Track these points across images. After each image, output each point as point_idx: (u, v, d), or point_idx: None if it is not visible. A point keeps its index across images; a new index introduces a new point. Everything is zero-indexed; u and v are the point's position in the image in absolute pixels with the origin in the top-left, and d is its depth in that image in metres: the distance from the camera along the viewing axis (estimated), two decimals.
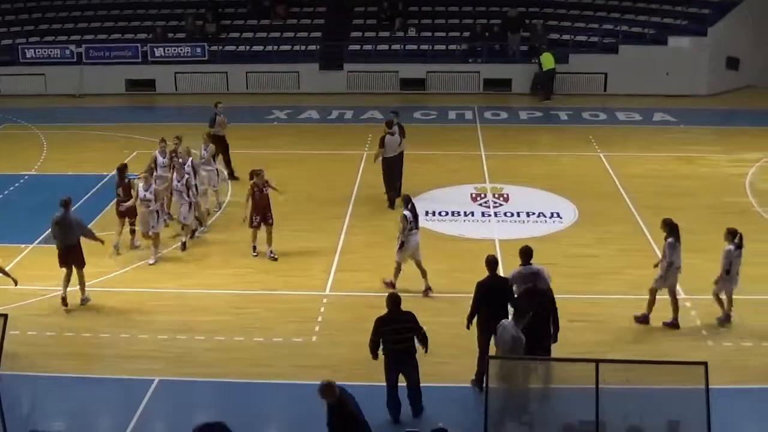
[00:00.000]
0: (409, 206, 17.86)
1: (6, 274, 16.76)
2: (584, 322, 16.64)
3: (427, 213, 22.24)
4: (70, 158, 27.33)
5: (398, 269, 18.08)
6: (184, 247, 20.36)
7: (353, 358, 15.54)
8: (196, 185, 20.80)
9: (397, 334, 13.50)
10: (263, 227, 19.73)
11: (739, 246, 16.69)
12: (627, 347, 15.61)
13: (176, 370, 15.40)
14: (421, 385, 13.83)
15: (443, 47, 36.88)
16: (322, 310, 17.58)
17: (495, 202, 23.24)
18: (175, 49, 36.74)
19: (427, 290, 17.96)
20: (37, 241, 20.31)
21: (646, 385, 11.84)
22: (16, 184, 25.04)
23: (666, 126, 31.16)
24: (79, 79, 36.05)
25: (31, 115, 32.79)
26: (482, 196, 23.69)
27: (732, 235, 16.72)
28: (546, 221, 21.96)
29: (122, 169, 20.35)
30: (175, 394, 14.89)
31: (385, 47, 37.13)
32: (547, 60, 34.25)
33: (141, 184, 19.62)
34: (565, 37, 36.17)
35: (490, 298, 14.17)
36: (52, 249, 18.04)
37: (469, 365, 14.52)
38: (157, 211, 19.55)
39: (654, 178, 25.23)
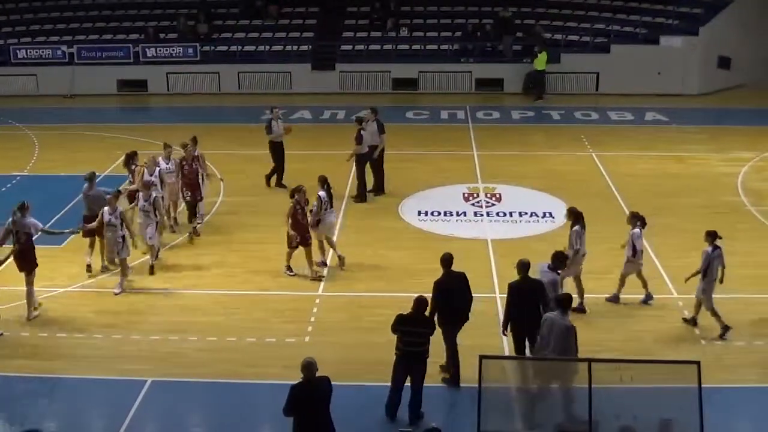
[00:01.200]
0: (325, 187, 19.00)
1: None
2: (577, 321, 16.60)
3: (419, 213, 22.26)
4: (61, 159, 27.26)
5: (320, 246, 19.38)
6: (152, 271, 19.12)
7: (346, 359, 15.53)
8: (163, 197, 20.11)
9: (413, 337, 13.48)
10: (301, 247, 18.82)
11: (716, 247, 16.56)
12: (620, 346, 15.62)
13: (168, 371, 15.36)
14: (432, 385, 13.84)
15: (435, 47, 36.90)
16: (315, 310, 17.55)
17: (487, 202, 23.25)
18: (167, 50, 36.69)
19: (341, 259, 19.21)
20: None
21: (639, 385, 11.86)
22: (8, 185, 24.95)
23: (658, 125, 31.21)
24: (71, 80, 35.98)
25: (22, 115, 32.71)
26: (475, 195, 23.69)
27: (711, 237, 16.65)
28: (538, 221, 21.97)
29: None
30: (168, 394, 14.85)
31: (378, 47, 37.13)
32: (540, 61, 34.28)
33: (106, 208, 18.04)
34: (557, 36, 36.22)
35: (520, 300, 14.38)
36: (45, 250, 18.00)
37: (464, 365, 14.51)
38: (123, 236, 18.01)
39: (646, 177, 25.27)
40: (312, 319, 17.16)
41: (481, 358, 11.92)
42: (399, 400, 13.76)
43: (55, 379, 15.16)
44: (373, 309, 17.49)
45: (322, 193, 18.87)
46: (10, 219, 16.95)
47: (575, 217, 17.51)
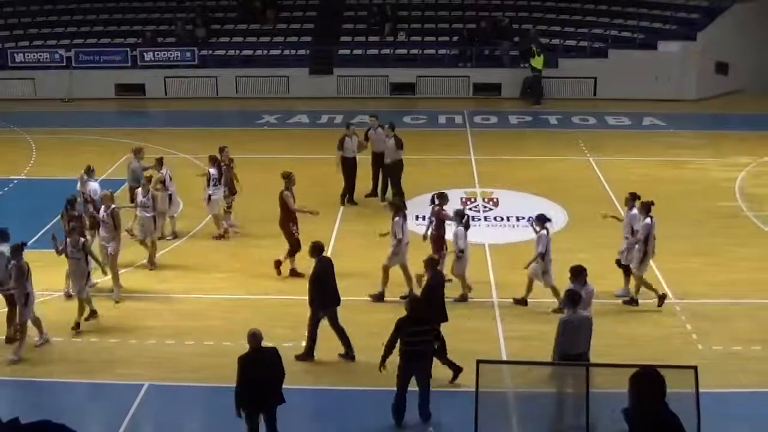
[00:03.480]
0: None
1: None
2: None
3: (417, 217, 22.23)
4: (59, 163, 27.22)
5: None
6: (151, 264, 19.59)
7: (344, 363, 15.53)
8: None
9: (417, 336, 13.49)
10: None
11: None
12: (617, 351, 15.59)
13: (165, 375, 15.34)
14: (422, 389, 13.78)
15: (433, 52, 36.93)
16: None
17: (485, 207, 23.26)
18: (164, 54, 36.70)
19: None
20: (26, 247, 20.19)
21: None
22: (5, 189, 24.95)
23: (655, 130, 31.23)
24: (69, 84, 35.96)
25: (20, 119, 32.68)
26: (472, 200, 23.69)
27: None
28: None
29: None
30: (165, 398, 14.85)
31: (375, 52, 37.16)
32: (537, 60, 34.31)
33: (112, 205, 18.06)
34: (555, 41, 36.26)
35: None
36: (42, 254, 17.98)
37: (463, 370, 14.51)
38: (88, 271, 17.00)
39: (643, 182, 25.19)
40: None
41: (479, 362, 11.91)
42: (404, 404, 13.70)
43: (51, 382, 15.15)
44: (371, 314, 17.48)
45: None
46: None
47: (396, 208, 18.20)
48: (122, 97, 36.60)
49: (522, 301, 17.71)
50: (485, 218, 22.58)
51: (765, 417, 14.30)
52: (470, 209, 23.00)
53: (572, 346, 13.48)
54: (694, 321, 17.09)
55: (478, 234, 21.43)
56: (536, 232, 17.61)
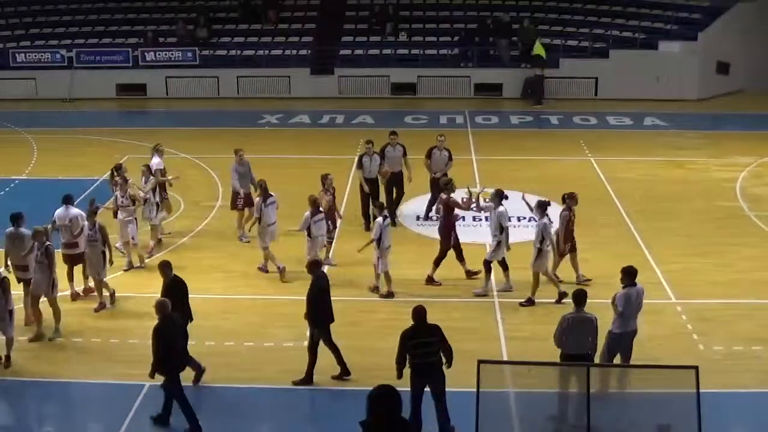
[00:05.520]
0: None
1: None
2: None
3: (417, 218, 22.26)
4: (60, 163, 27.23)
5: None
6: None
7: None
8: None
9: (422, 348, 13.16)
10: None
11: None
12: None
13: None
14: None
15: (434, 52, 36.91)
16: None
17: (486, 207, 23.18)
18: (166, 54, 36.69)
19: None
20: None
21: (636, 390, 11.86)
22: (6, 189, 24.95)
23: (657, 130, 31.22)
24: (70, 84, 35.96)
25: (21, 119, 32.68)
26: (473, 200, 23.60)
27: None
28: None
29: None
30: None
31: (376, 52, 37.14)
32: (539, 48, 34.30)
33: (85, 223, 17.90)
34: (556, 41, 36.20)
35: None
36: None
37: (463, 370, 14.46)
38: (103, 252, 17.63)
39: (645, 182, 25.27)
40: None
41: (480, 363, 11.90)
42: (420, 418, 13.22)
43: (52, 382, 15.15)
44: (371, 314, 17.50)
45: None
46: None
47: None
48: (123, 97, 36.58)
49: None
50: (486, 218, 22.51)
51: (766, 417, 14.29)
52: (471, 209, 22.99)
53: (571, 345, 13.47)
54: (695, 321, 17.08)
55: (479, 234, 21.42)
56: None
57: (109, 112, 35.21)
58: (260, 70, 36.43)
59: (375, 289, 18.34)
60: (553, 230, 17.87)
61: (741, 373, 15.31)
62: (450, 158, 22.20)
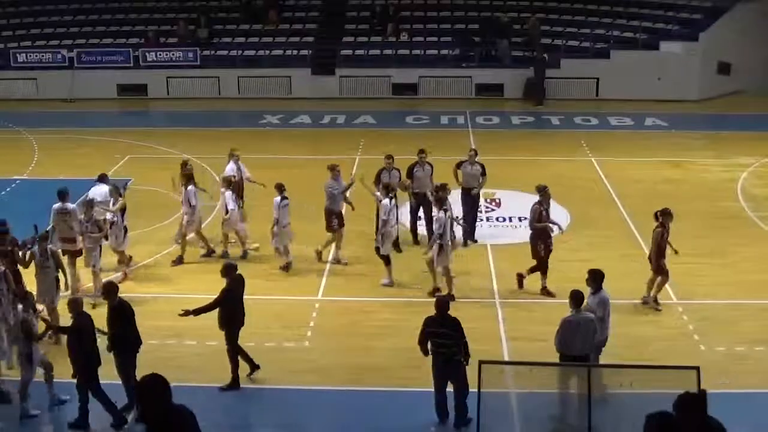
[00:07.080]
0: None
1: None
2: None
3: (419, 218, 22.20)
4: (61, 163, 27.22)
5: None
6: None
7: (345, 363, 15.53)
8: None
9: (440, 338, 13.34)
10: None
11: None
12: (619, 352, 15.56)
13: (166, 376, 15.14)
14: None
15: (435, 52, 36.92)
16: (314, 315, 17.54)
17: (487, 207, 23.23)
18: (167, 54, 36.72)
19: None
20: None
21: (638, 390, 11.83)
22: (8, 189, 24.95)
23: (658, 131, 31.21)
24: (71, 84, 35.98)
25: (22, 119, 32.68)
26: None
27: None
28: None
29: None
30: None
31: (377, 52, 37.16)
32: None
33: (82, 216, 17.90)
34: (557, 42, 36.22)
35: None
36: None
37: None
38: (56, 277, 16.76)
39: (646, 182, 25.25)
40: (311, 324, 17.15)
41: (481, 363, 11.90)
42: (444, 401, 13.58)
43: (53, 383, 15.12)
44: (372, 314, 17.50)
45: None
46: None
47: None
48: (124, 97, 36.60)
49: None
50: (487, 219, 22.55)
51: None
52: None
53: (569, 346, 13.43)
54: (696, 322, 17.07)
55: (481, 234, 21.42)
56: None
57: (110, 112, 35.22)
58: (261, 70, 36.45)
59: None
60: (448, 224, 17.67)
61: (743, 374, 15.30)
62: (483, 173, 21.42)
